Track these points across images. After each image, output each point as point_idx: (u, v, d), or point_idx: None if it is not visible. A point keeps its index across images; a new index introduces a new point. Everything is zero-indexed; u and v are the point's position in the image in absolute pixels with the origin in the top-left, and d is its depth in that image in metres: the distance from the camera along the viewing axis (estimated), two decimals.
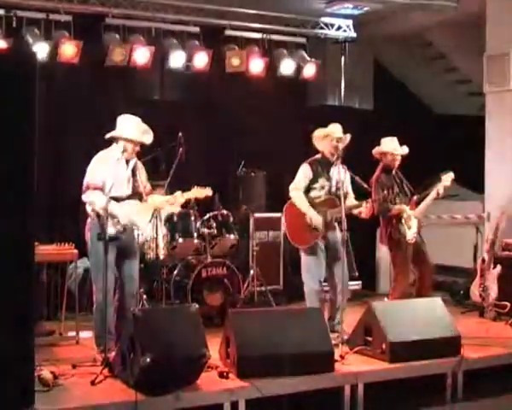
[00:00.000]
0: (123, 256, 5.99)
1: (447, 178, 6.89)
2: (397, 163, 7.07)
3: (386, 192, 6.76)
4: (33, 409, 4.48)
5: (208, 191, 6.29)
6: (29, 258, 4.58)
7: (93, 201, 5.84)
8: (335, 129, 6.68)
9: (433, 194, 6.92)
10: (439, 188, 6.89)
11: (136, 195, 6.04)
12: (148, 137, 6.06)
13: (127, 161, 6.00)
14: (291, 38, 9.61)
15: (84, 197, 5.89)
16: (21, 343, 4.46)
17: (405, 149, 7.04)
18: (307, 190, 6.69)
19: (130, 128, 5.98)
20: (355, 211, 6.60)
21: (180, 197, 6.17)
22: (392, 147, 7.02)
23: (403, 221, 6.88)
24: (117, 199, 5.85)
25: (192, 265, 7.60)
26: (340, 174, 6.65)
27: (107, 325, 5.72)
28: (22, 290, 4.47)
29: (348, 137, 6.66)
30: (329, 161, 6.69)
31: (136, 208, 5.99)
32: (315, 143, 6.78)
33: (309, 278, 6.68)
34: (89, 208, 5.89)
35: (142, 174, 6.14)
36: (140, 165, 6.18)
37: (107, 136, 6.03)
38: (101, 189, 5.84)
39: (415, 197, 7.01)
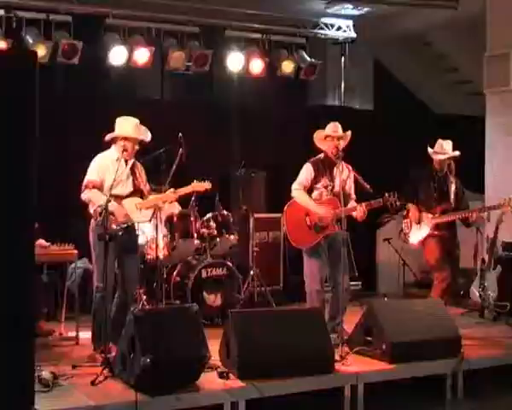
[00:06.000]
0: (123, 255, 5.98)
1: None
2: (445, 166, 7.15)
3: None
4: (33, 409, 4.48)
5: (207, 185, 6.28)
6: (29, 258, 4.58)
7: (91, 199, 5.86)
8: (335, 128, 6.65)
9: (458, 217, 7.03)
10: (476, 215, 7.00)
11: (138, 192, 6.06)
12: (146, 135, 6.09)
13: (126, 162, 6.01)
14: (291, 39, 9.61)
15: (83, 195, 5.92)
16: (21, 344, 4.46)
17: (456, 153, 7.13)
18: (310, 190, 6.66)
19: (129, 127, 6.00)
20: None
21: (171, 194, 6.13)
22: (443, 150, 7.11)
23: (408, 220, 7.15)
24: (118, 197, 5.87)
25: (192, 265, 7.59)
26: (344, 174, 6.62)
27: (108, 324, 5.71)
28: (22, 290, 4.46)
29: (349, 134, 6.65)
30: (332, 160, 6.65)
31: (134, 205, 5.98)
32: (317, 144, 6.76)
33: (311, 279, 6.63)
34: (91, 209, 5.89)
35: (141, 173, 6.16)
36: (139, 166, 6.19)
37: (107, 137, 6.04)
38: (100, 187, 5.88)
39: (451, 204, 7.08)
